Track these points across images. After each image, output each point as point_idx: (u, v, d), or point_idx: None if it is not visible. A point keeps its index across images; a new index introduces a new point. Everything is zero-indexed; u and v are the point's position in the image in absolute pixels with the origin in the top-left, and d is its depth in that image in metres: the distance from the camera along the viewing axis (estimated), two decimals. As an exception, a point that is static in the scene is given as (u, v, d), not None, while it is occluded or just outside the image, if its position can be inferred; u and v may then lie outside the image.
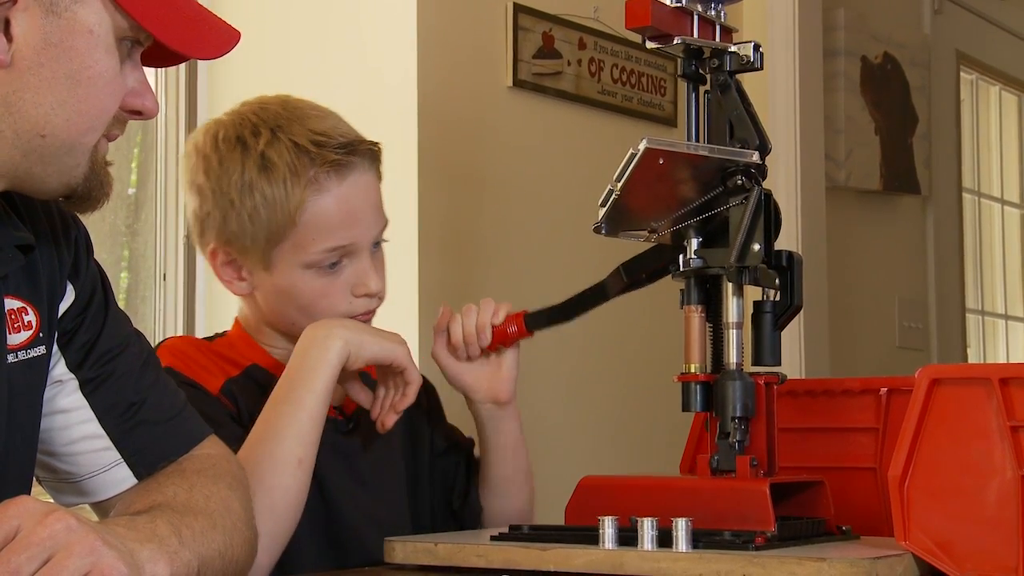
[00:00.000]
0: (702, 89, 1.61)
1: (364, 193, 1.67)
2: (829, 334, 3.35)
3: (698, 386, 1.55)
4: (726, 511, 1.42)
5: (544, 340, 2.65)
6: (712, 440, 1.54)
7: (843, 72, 3.61)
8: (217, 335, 1.78)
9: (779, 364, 1.56)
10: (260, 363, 1.70)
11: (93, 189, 1.25)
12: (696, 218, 1.54)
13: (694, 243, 1.56)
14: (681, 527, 1.36)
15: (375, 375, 1.72)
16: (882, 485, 1.53)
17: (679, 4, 1.56)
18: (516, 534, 1.49)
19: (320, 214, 1.63)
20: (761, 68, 1.60)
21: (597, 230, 1.55)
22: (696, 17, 1.57)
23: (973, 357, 4.47)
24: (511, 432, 1.80)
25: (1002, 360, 4.70)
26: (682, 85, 1.65)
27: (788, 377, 1.59)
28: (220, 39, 1.26)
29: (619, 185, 1.49)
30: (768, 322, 1.55)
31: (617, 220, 1.54)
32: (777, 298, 1.55)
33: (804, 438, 1.64)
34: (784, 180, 3.17)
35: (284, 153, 1.62)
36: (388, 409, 1.66)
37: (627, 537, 1.39)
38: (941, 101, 4.18)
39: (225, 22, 1.28)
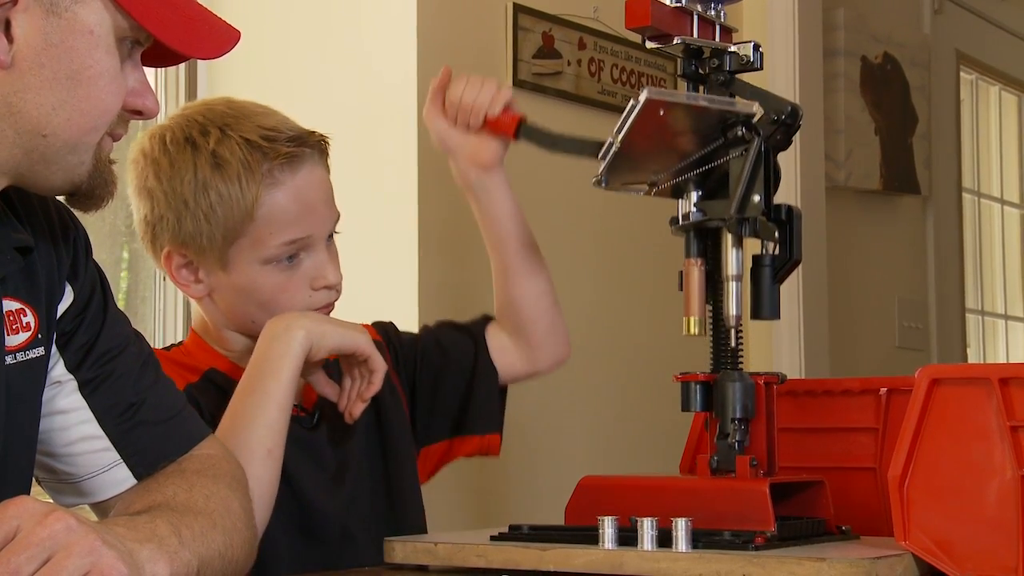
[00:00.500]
0: (702, 89, 1.61)
1: (317, 185, 1.67)
2: (829, 334, 3.35)
3: (698, 386, 1.55)
4: (726, 511, 1.42)
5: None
6: (712, 440, 1.54)
7: (843, 72, 3.61)
8: (173, 345, 1.79)
9: (777, 318, 1.56)
10: (218, 367, 1.70)
11: (97, 187, 1.25)
12: (696, 170, 1.54)
13: (694, 196, 1.56)
14: (681, 527, 1.36)
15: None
16: (882, 485, 1.53)
17: (679, 4, 1.56)
18: (516, 534, 1.49)
19: (276, 207, 1.63)
20: (761, 68, 1.60)
21: (597, 183, 1.55)
22: (696, 17, 1.57)
23: (973, 357, 4.47)
24: (504, 199, 1.79)
25: (1002, 360, 4.70)
26: (682, 85, 1.65)
27: (788, 377, 1.59)
28: (220, 39, 1.26)
29: (619, 137, 1.49)
30: (767, 276, 1.55)
31: (617, 173, 1.54)
32: (776, 252, 1.55)
33: (804, 438, 1.63)
34: (784, 180, 3.16)
35: (236, 150, 1.62)
36: (355, 399, 1.67)
37: (627, 537, 1.39)
38: (941, 101, 4.18)
39: (225, 22, 1.28)
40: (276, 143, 1.63)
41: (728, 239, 1.53)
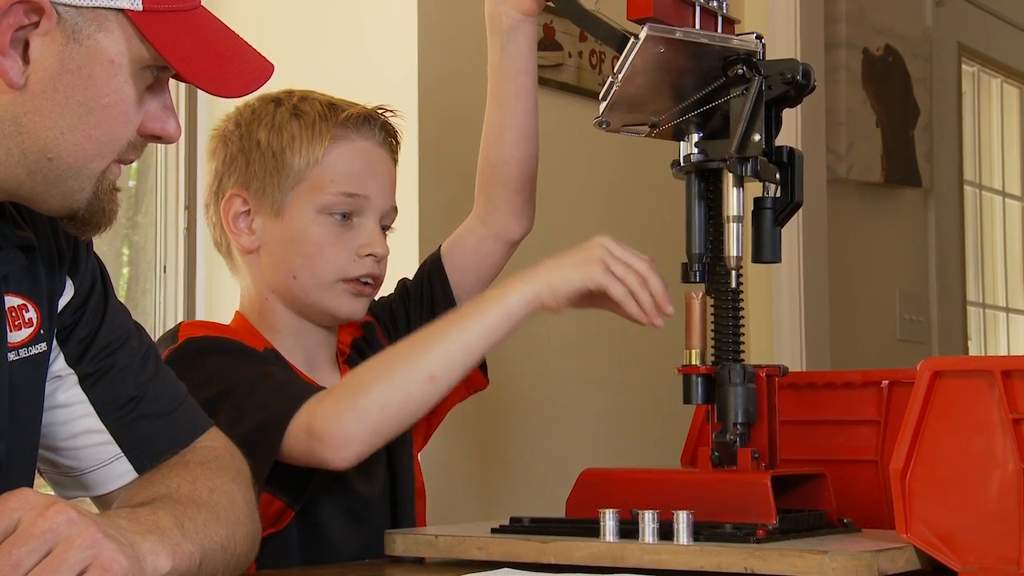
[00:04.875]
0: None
1: (382, 158, 1.76)
2: (830, 327, 3.35)
3: (699, 378, 1.55)
4: (727, 503, 1.42)
5: (544, 333, 2.65)
6: (713, 436, 1.54)
7: (844, 64, 3.61)
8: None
9: (779, 261, 1.56)
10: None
11: (94, 214, 1.25)
12: (697, 110, 1.53)
13: (695, 137, 1.55)
14: (682, 520, 1.36)
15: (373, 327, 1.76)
16: (884, 478, 1.53)
17: (681, -4, 1.55)
18: (517, 527, 1.49)
19: (341, 158, 1.72)
20: (763, 59, 1.59)
21: (599, 125, 1.56)
22: (698, 8, 1.57)
23: (974, 350, 4.47)
24: (530, 53, 1.82)
25: (1003, 353, 4.70)
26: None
27: (789, 369, 1.59)
28: (249, 76, 1.26)
29: (620, 76, 1.48)
30: (768, 218, 1.54)
31: (618, 114, 1.54)
32: (777, 194, 1.54)
33: (806, 431, 1.64)
34: (785, 173, 3.16)
35: (315, 105, 1.73)
36: (653, 312, 1.60)
37: (628, 530, 1.39)
38: (942, 93, 4.17)
39: (258, 55, 1.27)
40: (352, 107, 1.74)
41: (729, 179, 1.52)
